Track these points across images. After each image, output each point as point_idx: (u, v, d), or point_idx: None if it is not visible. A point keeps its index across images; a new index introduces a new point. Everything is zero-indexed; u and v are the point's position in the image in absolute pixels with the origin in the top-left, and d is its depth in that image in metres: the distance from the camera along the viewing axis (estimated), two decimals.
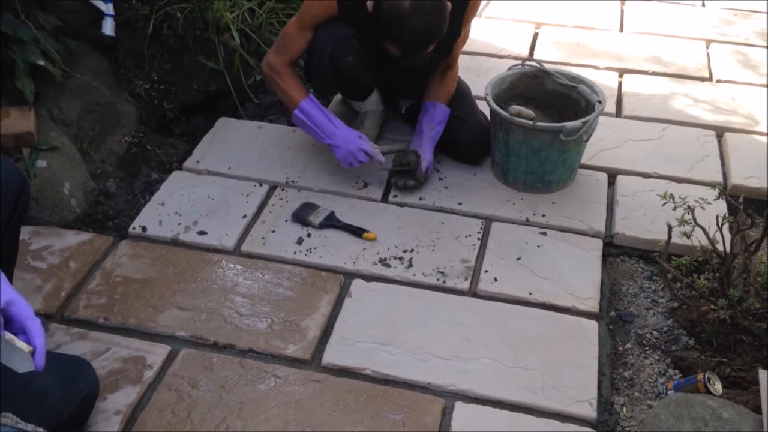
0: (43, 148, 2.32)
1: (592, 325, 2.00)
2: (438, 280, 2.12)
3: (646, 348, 1.99)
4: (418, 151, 2.40)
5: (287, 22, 2.41)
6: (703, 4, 3.81)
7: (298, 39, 2.33)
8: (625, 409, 1.84)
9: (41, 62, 2.34)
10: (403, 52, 2.12)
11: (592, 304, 2.06)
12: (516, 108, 2.37)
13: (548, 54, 3.27)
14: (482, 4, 3.60)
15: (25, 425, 1.44)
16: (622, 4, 3.75)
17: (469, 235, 2.28)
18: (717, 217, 1.92)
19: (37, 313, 1.97)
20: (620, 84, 3.08)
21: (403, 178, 2.42)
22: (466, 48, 2.67)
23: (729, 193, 2.40)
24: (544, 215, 2.36)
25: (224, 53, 2.80)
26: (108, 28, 2.62)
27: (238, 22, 2.80)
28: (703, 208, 1.93)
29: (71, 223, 2.34)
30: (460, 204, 2.40)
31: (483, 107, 2.52)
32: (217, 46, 2.79)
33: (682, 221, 1.93)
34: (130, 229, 2.30)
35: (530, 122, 2.29)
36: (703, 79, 3.13)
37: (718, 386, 1.77)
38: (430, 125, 2.44)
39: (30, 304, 1.97)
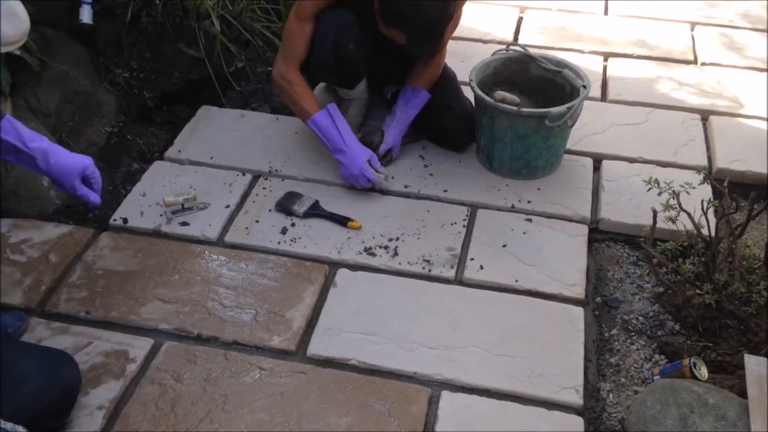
0: None
1: (578, 312, 2.00)
2: (424, 268, 2.11)
3: (632, 334, 1.99)
4: (384, 133, 2.41)
5: (268, 9, 2.38)
6: None
7: (301, 34, 2.29)
8: (611, 396, 1.84)
9: (17, 51, 2.29)
10: (411, 41, 2.10)
11: (578, 291, 2.05)
12: (500, 94, 2.35)
13: (533, 38, 3.25)
14: None
15: (4, 423, 1.42)
16: None
17: (455, 223, 2.26)
18: (702, 201, 1.92)
19: (17, 308, 1.97)
20: (605, 68, 3.07)
21: None
22: None
23: (714, 176, 2.39)
24: (529, 202, 2.35)
25: (205, 40, 2.76)
26: (86, 15, 2.57)
27: (219, 9, 2.76)
28: (688, 193, 1.92)
29: (51, 215, 2.30)
30: (445, 191, 2.39)
31: (468, 93, 2.50)
32: (198, 33, 2.75)
33: (668, 206, 1.92)
34: (111, 221, 2.27)
35: (515, 108, 2.27)
36: (688, 62, 3.12)
37: (703, 371, 1.77)
38: (403, 108, 2.43)
39: (10, 298, 1.98)
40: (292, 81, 2.32)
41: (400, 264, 2.12)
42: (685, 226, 1.96)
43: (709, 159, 2.56)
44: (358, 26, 2.27)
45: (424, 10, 2.03)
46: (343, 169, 2.34)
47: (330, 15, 2.26)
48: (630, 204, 2.33)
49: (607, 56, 3.15)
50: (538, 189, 2.40)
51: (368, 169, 2.31)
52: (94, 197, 1.88)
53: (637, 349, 1.95)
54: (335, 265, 2.13)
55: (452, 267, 2.12)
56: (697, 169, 1.97)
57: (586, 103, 2.37)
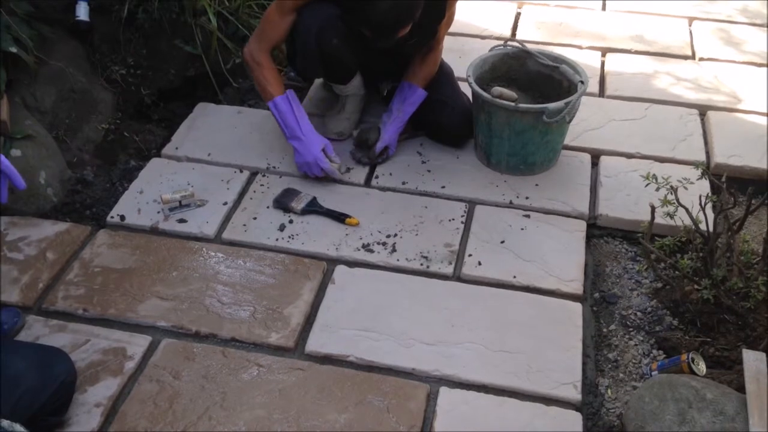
0: (17, 137, 2.27)
1: (577, 308, 1.99)
2: (422, 264, 2.11)
3: (630, 329, 1.99)
4: (381, 130, 2.42)
5: (265, 5, 2.37)
6: None
7: (280, 24, 2.29)
8: (609, 391, 1.84)
9: (13, 49, 2.29)
10: (374, 35, 2.10)
11: (576, 287, 2.05)
12: (498, 90, 2.34)
13: (530, 34, 3.25)
14: None
15: (2, 422, 1.42)
16: None
17: (453, 219, 2.26)
18: (700, 196, 1.92)
19: (15, 305, 1.96)
20: (603, 63, 3.06)
21: (360, 153, 2.46)
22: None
23: (712, 172, 2.39)
24: (527, 197, 2.34)
25: (201, 37, 2.75)
26: (82, 12, 2.56)
27: (215, 5, 2.75)
28: (686, 188, 1.92)
29: (48, 212, 2.30)
30: (443, 187, 2.38)
31: (465, 89, 2.50)
32: (194, 30, 2.74)
33: (666, 201, 1.92)
34: (109, 218, 2.27)
35: (512, 104, 2.27)
36: (685, 58, 3.12)
37: (702, 366, 1.77)
38: (399, 106, 2.43)
39: (7, 296, 1.97)
40: (261, 63, 2.32)
41: (398, 260, 2.12)
42: (683, 221, 1.96)
43: (707, 154, 2.56)
44: (343, 21, 2.26)
45: (379, 6, 2.01)
46: (297, 156, 2.35)
47: (313, 9, 2.25)
48: (628, 199, 2.33)
49: (604, 52, 3.14)
50: (536, 185, 2.39)
51: (322, 158, 2.32)
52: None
53: (635, 345, 1.95)
54: (333, 262, 2.13)
55: (450, 263, 2.11)
56: (695, 164, 1.97)
57: (583, 98, 2.36)
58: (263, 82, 2.33)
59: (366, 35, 2.12)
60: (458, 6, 2.37)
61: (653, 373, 1.82)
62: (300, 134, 2.32)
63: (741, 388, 1.64)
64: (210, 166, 2.48)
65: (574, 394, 1.77)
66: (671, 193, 1.92)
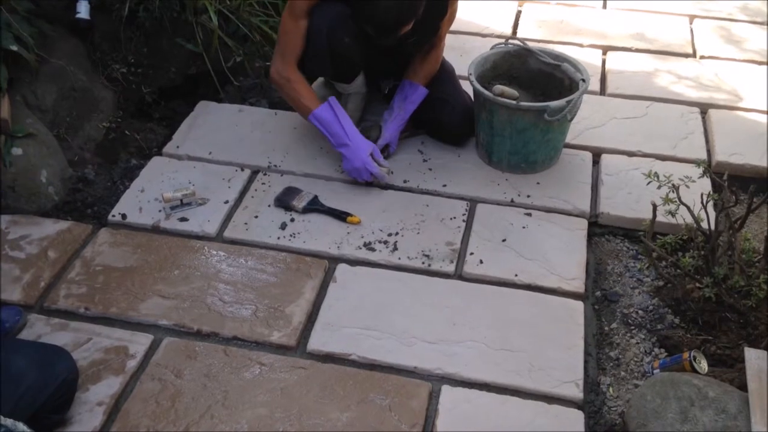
0: (18, 136, 2.27)
1: (578, 306, 2.00)
2: (423, 263, 2.11)
3: (632, 327, 1.99)
4: (382, 128, 2.41)
5: (266, 3, 2.37)
6: None
7: (296, 31, 2.27)
8: (611, 389, 1.84)
9: (14, 47, 2.29)
10: (376, 33, 2.10)
11: (578, 285, 2.05)
12: (499, 88, 2.34)
13: (531, 32, 3.24)
14: None
15: (4, 420, 1.42)
16: None
17: (454, 218, 2.26)
18: (701, 194, 1.92)
19: (17, 304, 1.96)
20: (604, 62, 3.06)
21: None
22: None
23: (713, 170, 2.39)
24: (528, 196, 2.34)
25: (202, 35, 2.75)
26: (83, 11, 2.56)
27: (216, 3, 2.75)
28: (687, 186, 1.92)
29: (49, 211, 2.29)
30: (444, 186, 2.38)
31: (466, 87, 2.50)
32: (195, 28, 2.74)
33: (667, 200, 1.92)
34: (110, 217, 2.27)
35: (514, 102, 2.27)
36: (686, 56, 3.12)
37: (703, 364, 1.77)
38: (401, 104, 2.42)
39: (8, 295, 1.97)
40: (291, 78, 2.31)
41: (399, 259, 2.12)
42: (684, 219, 1.96)
43: (708, 152, 2.56)
44: (353, 20, 2.26)
45: (381, 4, 2.02)
46: (345, 163, 2.34)
47: (324, 9, 2.25)
48: (629, 198, 2.33)
49: (605, 50, 3.14)
50: (538, 183, 2.39)
51: (371, 163, 2.31)
52: None
53: (637, 343, 1.95)
54: (335, 260, 2.13)
55: (452, 261, 2.11)
56: (696, 162, 1.97)
57: (585, 96, 2.36)
58: (297, 97, 2.33)
59: (368, 33, 2.11)
60: (459, 4, 2.37)
61: (655, 371, 1.83)
62: (347, 140, 2.30)
63: (743, 387, 1.64)
64: (211, 165, 2.48)
65: (576, 393, 1.78)
66: (673, 191, 1.92)
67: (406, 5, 2.05)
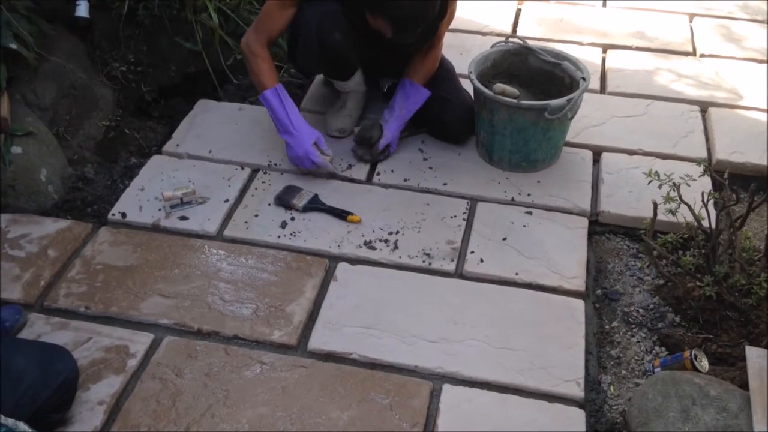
0: (18, 134, 2.26)
1: (579, 305, 1.99)
2: (424, 262, 2.11)
3: (633, 326, 1.99)
4: (383, 127, 2.41)
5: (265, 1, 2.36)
6: None
7: (279, 16, 2.28)
8: (612, 388, 1.84)
9: (14, 46, 2.28)
10: (396, 30, 2.09)
11: (579, 283, 2.05)
12: (500, 86, 2.34)
13: (531, 30, 3.24)
14: None
15: (5, 419, 1.41)
16: None
17: (455, 216, 2.26)
18: (702, 193, 1.92)
19: (17, 303, 1.96)
20: (604, 60, 3.06)
21: (362, 150, 2.45)
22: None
23: (714, 168, 2.39)
24: (529, 194, 2.34)
25: (202, 33, 2.75)
26: (82, 9, 2.56)
27: (216, 2, 2.74)
28: (688, 185, 1.92)
29: (49, 210, 2.29)
30: (445, 184, 2.38)
31: (466, 85, 2.49)
32: (195, 27, 2.73)
33: (668, 198, 1.92)
34: (110, 216, 2.26)
35: (514, 101, 2.26)
36: (686, 54, 3.11)
37: (704, 363, 1.77)
38: (402, 104, 2.42)
39: (8, 294, 1.97)
40: (257, 54, 2.31)
41: (400, 257, 2.12)
42: (685, 218, 1.96)
43: (709, 151, 2.55)
44: (344, 16, 2.25)
45: (407, 1, 2.02)
46: (289, 150, 2.35)
47: (314, 4, 2.25)
48: (630, 196, 2.33)
49: (606, 48, 3.14)
50: (538, 182, 2.39)
51: (314, 152, 2.32)
52: None
53: (638, 342, 1.95)
54: (335, 259, 2.13)
55: (452, 260, 2.11)
56: (696, 160, 1.97)
57: (585, 95, 2.36)
58: (258, 73, 2.33)
59: (377, 31, 2.10)
60: (459, 3, 2.37)
61: (656, 370, 1.83)
62: (291, 128, 2.31)
63: (744, 385, 1.64)
64: (211, 164, 2.47)
65: (577, 391, 1.77)
66: (673, 190, 1.91)
67: (426, 7, 2.05)
